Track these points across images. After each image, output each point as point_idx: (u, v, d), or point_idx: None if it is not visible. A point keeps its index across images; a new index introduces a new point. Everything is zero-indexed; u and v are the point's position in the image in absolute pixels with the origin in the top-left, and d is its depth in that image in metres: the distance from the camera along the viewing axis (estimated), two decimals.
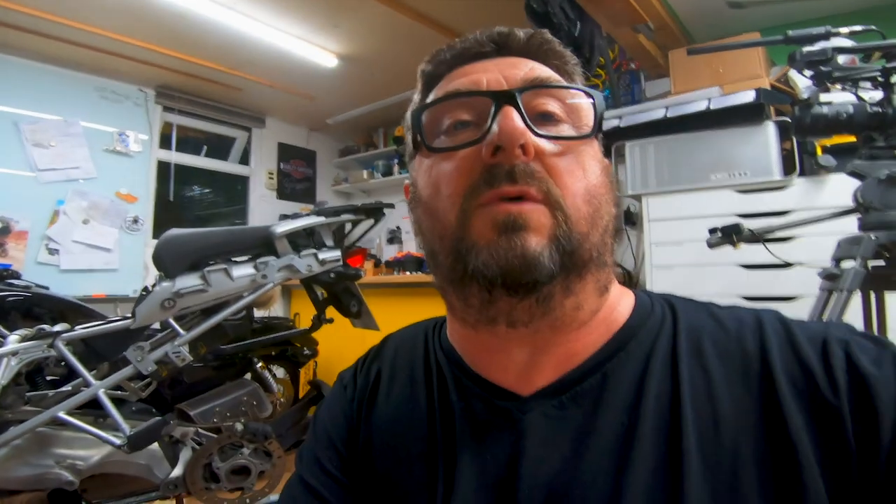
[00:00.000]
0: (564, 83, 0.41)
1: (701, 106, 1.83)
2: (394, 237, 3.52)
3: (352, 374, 0.52)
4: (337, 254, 1.56)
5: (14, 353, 1.28)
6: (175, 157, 3.30)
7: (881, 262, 1.03)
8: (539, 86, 0.38)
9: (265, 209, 3.70)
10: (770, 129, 1.74)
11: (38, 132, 2.72)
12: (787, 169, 1.73)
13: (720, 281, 1.70)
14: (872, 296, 1.09)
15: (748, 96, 1.75)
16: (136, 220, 3.03)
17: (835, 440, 0.32)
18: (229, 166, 3.70)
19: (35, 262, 2.64)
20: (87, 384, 1.33)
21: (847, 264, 1.03)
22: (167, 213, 3.27)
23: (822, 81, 1.05)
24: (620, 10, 1.88)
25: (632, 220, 2.45)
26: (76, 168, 2.82)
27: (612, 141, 2.07)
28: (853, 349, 0.34)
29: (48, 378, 1.59)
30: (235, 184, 3.76)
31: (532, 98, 0.38)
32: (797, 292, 1.55)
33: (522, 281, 0.35)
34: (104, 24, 2.50)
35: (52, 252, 2.70)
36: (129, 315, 1.40)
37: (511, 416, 0.39)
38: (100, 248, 2.87)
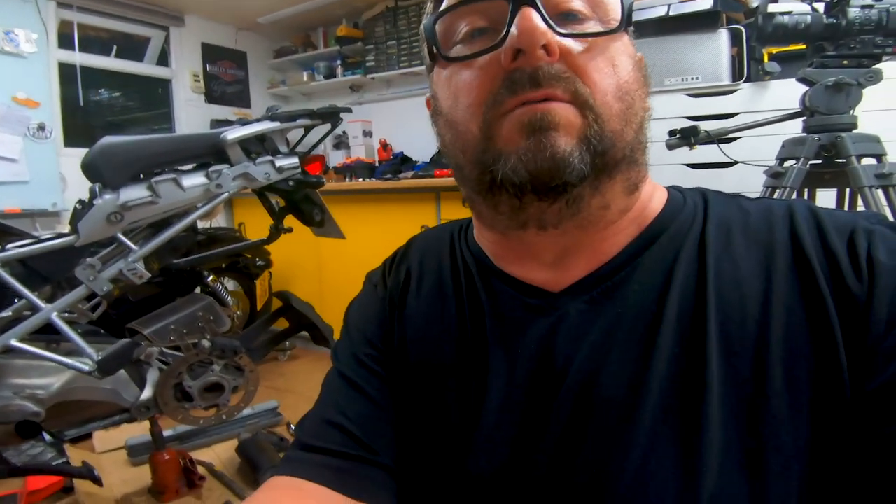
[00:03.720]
0: None
1: (660, 11, 1.83)
2: (340, 142, 3.35)
3: (380, 274, 0.52)
4: (295, 160, 1.48)
5: None
6: (80, 58, 2.88)
7: (819, 162, 1.13)
8: None
9: (193, 113, 3.37)
10: (723, 36, 1.78)
11: None
12: (735, 75, 1.80)
13: (668, 179, 1.79)
14: (806, 192, 1.22)
15: (706, 3, 1.77)
16: (41, 128, 2.68)
17: (857, 327, 0.32)
18: (146, 68, 3.28)
19: None
20: (34, 308, 1.25)
21: (790, 163, 1.13)
22: (77, 119, 2.92)
23: None
24: None
25: None
26: None
27: None
28: (875, 238, 0.34)
29: None
30: (155, 87, 3.36)
31: None
32: (738, 189, 1.69)
33: (552, 184, 0.34)
34: None
35: None
36: (68, 232, 1.29)
37: (542, 312, 0.39)
38: (3, 159, 2.55)
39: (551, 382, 0.37)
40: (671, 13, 1.79)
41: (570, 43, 0.34)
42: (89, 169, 1.27)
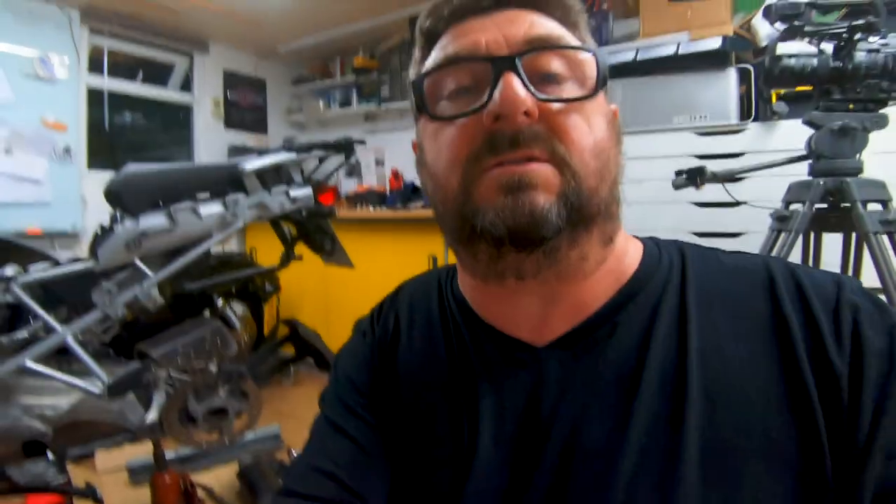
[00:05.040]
0: (566, 42, 0.38)
1: (670, 50, 1.86)
2: (353, 171, 3.42)
3: (369, 322, 0.53)
4: (308, 191, 1.53)
5: None
6: (108, 83, 3.00)
7: (824, 206, 1.14)
8: (539, 48, 0.37)
9: (212, 139, 3.47)
10: (732, 76, 1.81)
11: None
12: (743, 114, 1.82)
13: (674, 217, 1.81)
14: (812, 236, 1.22)
15: (715, 43, 1.79)
16: (67, 150, 2.77)
17: (837, 404, 0.33)
18: (170, 94, 3.40)
19: None
20: (51, 330, 1.28)
21: (795, 207, 1.14)
22: (101, 142, 3.00)
23: (794, 34, 1.10)
24: None
25: None
26: None
27: None
28: (862, 316, 0.35)
29: None
30: (177, 112, 3.48)
31: (533, 59, 0.36)
32: (743, 229, 1.70)
33: (530, 238, 0.35)
34: None
35: None
36: (87, 256, 1.34)
37: (528, 366, 0.40)
38: (27, 180, 2.63)
39: (538, 434, 0.39)
40: (680, 52, 1.82)
41: (548, 104, 0.36)
42: (112, 196, 1.32)
